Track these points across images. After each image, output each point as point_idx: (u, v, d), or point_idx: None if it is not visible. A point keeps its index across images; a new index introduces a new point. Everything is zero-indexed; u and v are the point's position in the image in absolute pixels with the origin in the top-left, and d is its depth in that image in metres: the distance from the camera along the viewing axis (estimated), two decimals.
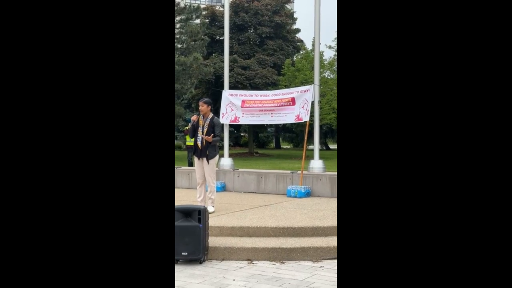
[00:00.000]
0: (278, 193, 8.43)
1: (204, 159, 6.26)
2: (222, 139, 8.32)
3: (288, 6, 29.31)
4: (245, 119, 9.26)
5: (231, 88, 10.98)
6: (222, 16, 21.61)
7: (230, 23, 10.47)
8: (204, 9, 27.37)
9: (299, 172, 8.41)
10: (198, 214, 4.79)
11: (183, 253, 4.70)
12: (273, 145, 42.10)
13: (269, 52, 25.80)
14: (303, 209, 6.62)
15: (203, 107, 6.31)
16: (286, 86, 20.97)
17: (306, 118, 8.40)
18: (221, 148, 8.54)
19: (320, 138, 15.75)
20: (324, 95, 21.96)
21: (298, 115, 8.51)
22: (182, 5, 21.83)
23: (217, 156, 6.45)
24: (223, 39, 13.25)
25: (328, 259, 4.90)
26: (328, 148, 35.09)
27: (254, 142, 30.65)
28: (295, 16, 29.35)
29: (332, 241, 5.11)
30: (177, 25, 21.04)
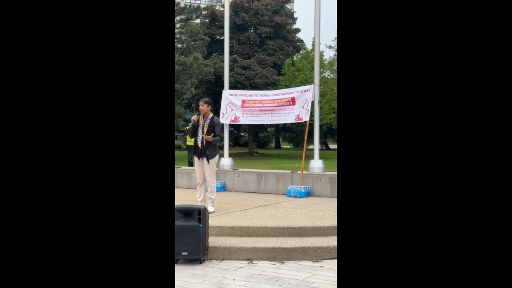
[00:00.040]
0: (278, 193, 8.43)
1: (204, 159, 6.26)
2: (222, 139, 8.32)
3: (288, 6, 29.30)
4: (245, 119, 9.26)
5: (231, 88, 10.98)
6: (222, 16, 21.59)
7: (230, 23, 10.47)
8: (204, 9, 27.37)
9: (299, 172, 8.41)
10: (198, 214, 4.79)
11: (183, 253, 4.70)
12: (273, 145, 42.10)
13: (269, 52, 25.80)
14: (303, 209, 6.62)
15: (203, 106, 6.31)
16: (286, 86, 20.97)
17: (306, 118, 8.40)
18: (221, 148, 8.54)
19: (320, 138, 15.75)
20: (324, 95, 21.96)
21: (298, 115, 8.51)
22: (182, 5, 21.84)
23: (217, 156, 6.45)
24: (223, 39, 13.24)
25: (328, 259, 4.90)
26: (328, 148, 35.09)
27: (254, 142, 30.65)
28: (295, 16, 29.35)
29: (332, 241, 5.11)
30: (177, 25, 21.04)
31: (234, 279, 4.23)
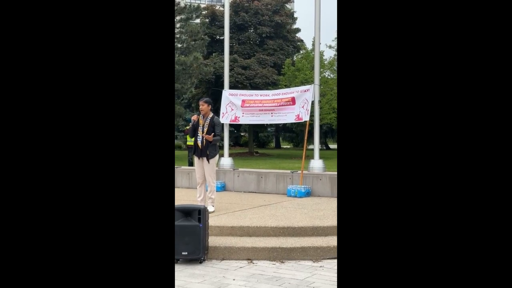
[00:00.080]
0: (278, 193, 8.43)
1: (204, 158, 6.26)
2: (222, 139, 8.32)
3: (288, 5, 29.31)
4: (245, 119, 9.25)
5: (231, 87, 10.98)
6: (222, 16, 21.59)
7: (230, 23, 10.47)
8: (204, 8, 27.38)
9: (299, 171, 8.41)
10: (198, 214, 4.79)
11: (183, 253, 4.70)
12: (273, 144, 42.10)
13: (269, 52, 25.81)
14: (303, 209, 6.62)
15: (204, 106, 6.31)
16: (286, 86, 20.98)
17: (306, 117, 8.39)
18: (221, 147, 8.54)
19: (320, 137, 15.75)
20: (324, 95, 21.96)
21: (298, 115, 8.50)
22: (182, 4, 21.84)
23: (217, 156, 6.45)
24: (223, 39, 13.24)
25: (328, 258, 4.90)
26: (328, 148, 35.09)
27: (254, 141, 30.66)
28: (295, 15, 29.36)
29: (332, 241, 5.11)
30: (177, 25, 21.03)
31: (234, 279, 4.23)
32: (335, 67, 24.23)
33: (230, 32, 10.28)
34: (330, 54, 51.08)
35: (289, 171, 8.95)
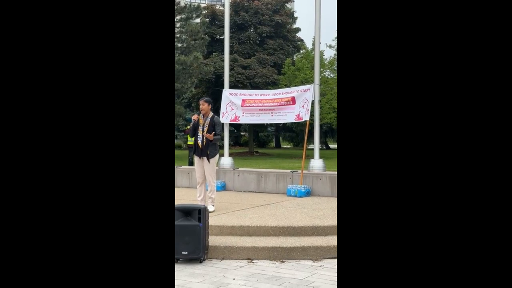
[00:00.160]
0: (278, 193, 8.43)
1: (205, 158, 6.26)
2: (222, 138, 8.32)
3: (288, 5, 29.31)
4: (245, 119, 9.25)
5: (231, 87, 10.98)
6: (222, 15, 21.57)
7: (230, 22, 10.47)
8: (205, 8, 27.37)
9: (299, 171, 8.41)
10: (198, 213, 4.79)
11: (183, 252, 4.70)
12: (273, 144, 42.09)
13: (269, 52, 25.80)
14: (303, 209, 6.62)
15: (204, 106, 6.31)
16: (286, 86, 20.98)
17: (306, 117, 8.39)
18: (221, 147, 8.54)
19: (320, 137, 15.75)
20: (324, 95, 21.96)
21: (298, 115, 8.50)
22: (182, 4, 21.85)
23: (218, 155, 6.45)
24: (223, 38, 13.24)
25: (328, 258, 4.90)
26: (328, 148, 35.08)
27: (254, 141, 30.66)
28: (295, 15, 29.36)
29: (332, 240, 5.11)
30: (177, 24, 21.03)
31: (234, 279, 4.23)
32: (335, 67, 24.23)
33: (230, 32, 10.29)
34: (330, 53, 51.13)
35: (289, 170, 8.95)
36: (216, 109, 9.83)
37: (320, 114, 9.75)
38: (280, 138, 42.26)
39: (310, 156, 9.10)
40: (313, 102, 8.44)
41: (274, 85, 23.31)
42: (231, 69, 19.71)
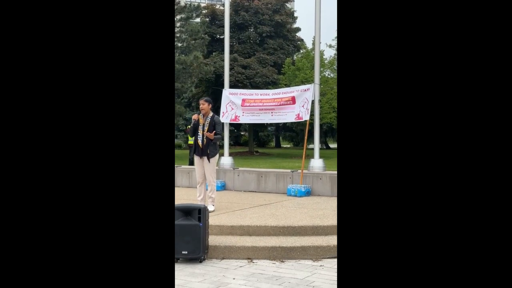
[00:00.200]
0: (278, 192, 8.43)
1: (205, 157, 6.26)
2: (222, 138, 8.33)
3: (288, 5, 29.32)
4: (245, 118, 9.25)
5: (231, 87, 10.97)
6: (223, 15, 21.58)
7: (230, 22, 10.47)
8: (205, 8, 27.38)
9: (299, 171, 8.41)
10: (198, 213, 4.79)
11: (183, 252, 4.70)
12: (273, 144, 42.12)
13: (269, 51, 25.82)
14: (303, 208, 6.62)
15: (204, 105, 6.31)
16: (287, 85, 20.99)
17: (306, 117, 8.39)
18: (221, 147, 8.54)
19: (320, 137, 15.76)
20: (324, 94, 21.98)
21: (298, 114, 8.50)
22: (182, 3, 21.86)
23: (218, 155, 6.46)
24: (223, 38, 13.24)
25: (328, 258, 4.90)
26: (328, 147, 35.10)
27: (254, 141, 30.68)
28: (295, 15, 29.38)
29: (332, 240, 5.11)
30: (177, 24, 21.04)
31: (234, 278, 4.23)
32: (335, 66, 24.25)
33: (230, 31, 10.28)
34: (330, 53, 51.01)
35: (289, 170, 8.95)
36: (216, 109, 9.83)
37: (320, 114, 9.75)
38: (280, 137, 42.28)
39: (310, 155, 9.10)
40: (313, 102, 8.44)
41: (274, 84, 23.32)
42: (231, 69, 19.70)
